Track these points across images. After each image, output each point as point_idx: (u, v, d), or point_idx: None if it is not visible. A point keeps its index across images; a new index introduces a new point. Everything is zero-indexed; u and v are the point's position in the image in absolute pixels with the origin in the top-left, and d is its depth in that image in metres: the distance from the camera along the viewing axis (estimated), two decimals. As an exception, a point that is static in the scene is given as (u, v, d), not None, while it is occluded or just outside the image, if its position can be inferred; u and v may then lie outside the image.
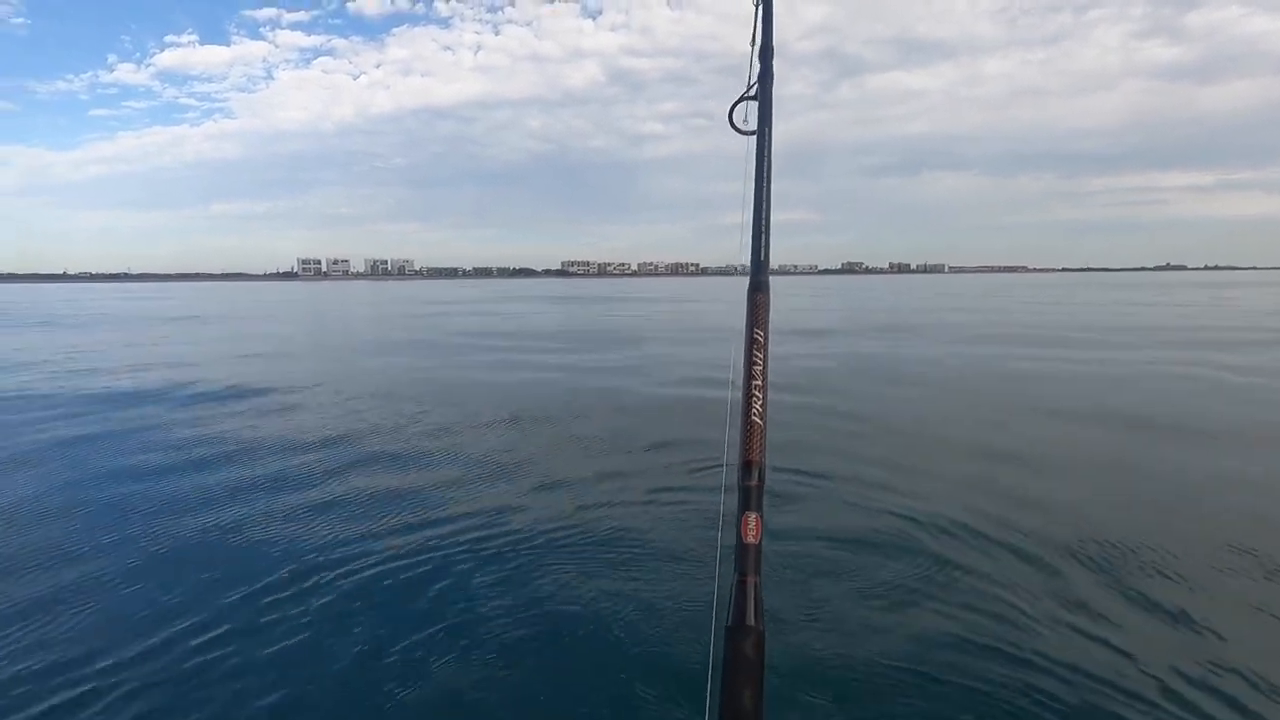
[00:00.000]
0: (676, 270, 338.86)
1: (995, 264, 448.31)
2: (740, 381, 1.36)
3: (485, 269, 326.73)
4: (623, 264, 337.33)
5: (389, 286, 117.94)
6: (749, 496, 1.27)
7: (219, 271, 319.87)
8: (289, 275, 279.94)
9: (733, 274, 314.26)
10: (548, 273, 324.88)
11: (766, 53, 1.61)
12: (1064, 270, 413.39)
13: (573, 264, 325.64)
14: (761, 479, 1.29)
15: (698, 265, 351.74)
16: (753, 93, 1.58)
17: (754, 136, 1.52)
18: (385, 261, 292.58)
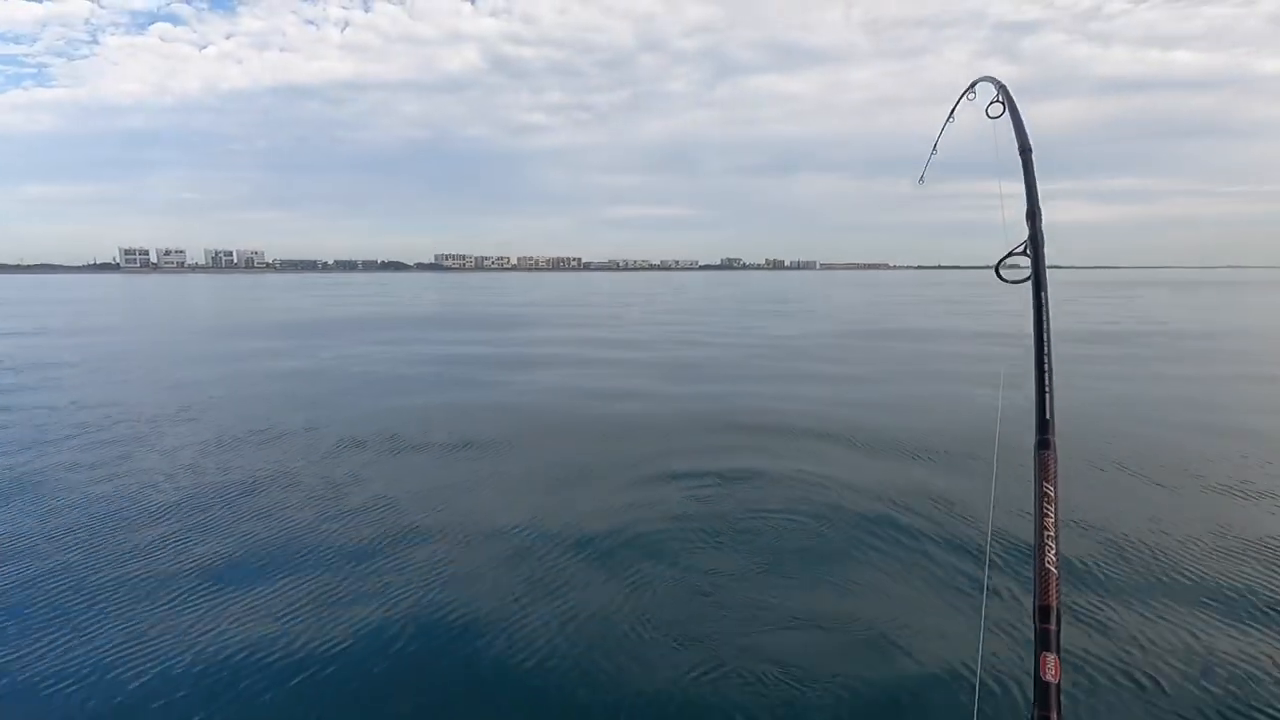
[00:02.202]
0: (558, 265, 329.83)
1: (861, 261, 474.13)
2: (1030, 526, 1.42)
3: (349, 262, 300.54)
4: (501, 258, 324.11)
5: (216, 282, 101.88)
6: (1048, 639, 1.33)
7: (23, 262, 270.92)
8: (109, 268, 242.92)
9: (615, 269, 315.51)
10: (420, 266, 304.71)
11: (1034, 215, 1.68)
12: (920, 268, 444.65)
13: (447, 257, 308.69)
14: (1059, 624, 1.34)
15: (580, 260, 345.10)
16: (1023, 250, 1.64)
17: (1028, 288, 1.60)
18: (230, 253, 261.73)
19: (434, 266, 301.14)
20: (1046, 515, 1.41)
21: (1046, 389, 1.51)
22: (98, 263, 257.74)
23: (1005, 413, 2.47)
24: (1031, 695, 1.31)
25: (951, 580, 4.35)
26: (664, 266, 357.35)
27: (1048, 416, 1.50)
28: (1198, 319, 25.09)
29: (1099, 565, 4.52)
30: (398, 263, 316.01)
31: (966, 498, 5.78)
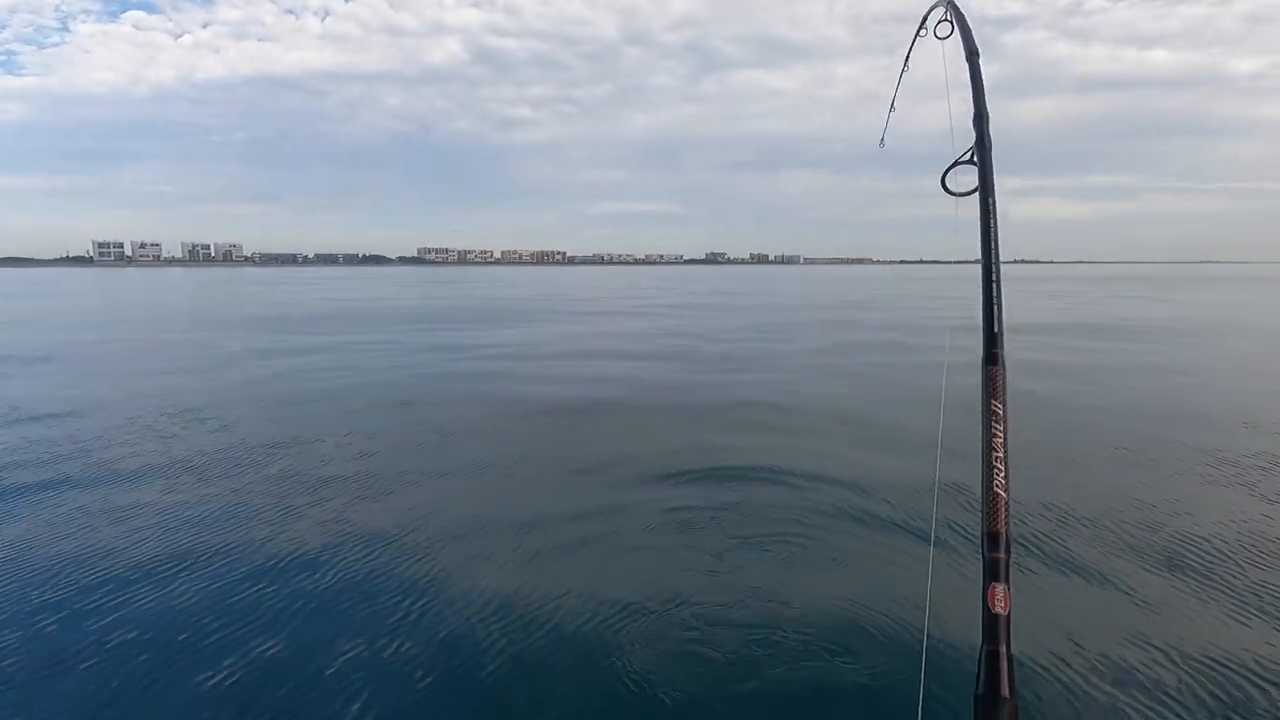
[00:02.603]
0: (542, 259, 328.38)
1: (844, 256, 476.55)
2: (979, 452, 1.35)
3: (330, 255, 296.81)
4: (485, 251, 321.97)
5: (192, 275, 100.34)
6: (996, 568, 1.26)
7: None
8: (81, 261, 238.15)
9: (599, 264, 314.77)
10: (402, 260, 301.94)
11: (981, 119, 1.58)
12: (902, 262, 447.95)
13: (430, 251, 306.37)
14: (1008, 551, 1.28)
15: (564, 254, 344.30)
16: (969, 157, 1.55)
17: (974, 201, 1.51)
18: (208, 246, 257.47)
19: (417, 260, 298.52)
20: (995, 436, 1.34)
21: (996, 302, 1.44)
22: (70, 256, 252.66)
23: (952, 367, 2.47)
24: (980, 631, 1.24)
25: (900, 542, 4.58)
26: (649, 260, 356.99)
27: (996, 330, 1.43)
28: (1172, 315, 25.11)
29: (1051, 536, 4.71)
30: (379, 256, 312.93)
31: (913, 454, 6.40)
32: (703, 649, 3.38)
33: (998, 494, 1.31)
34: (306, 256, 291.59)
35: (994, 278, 1.44)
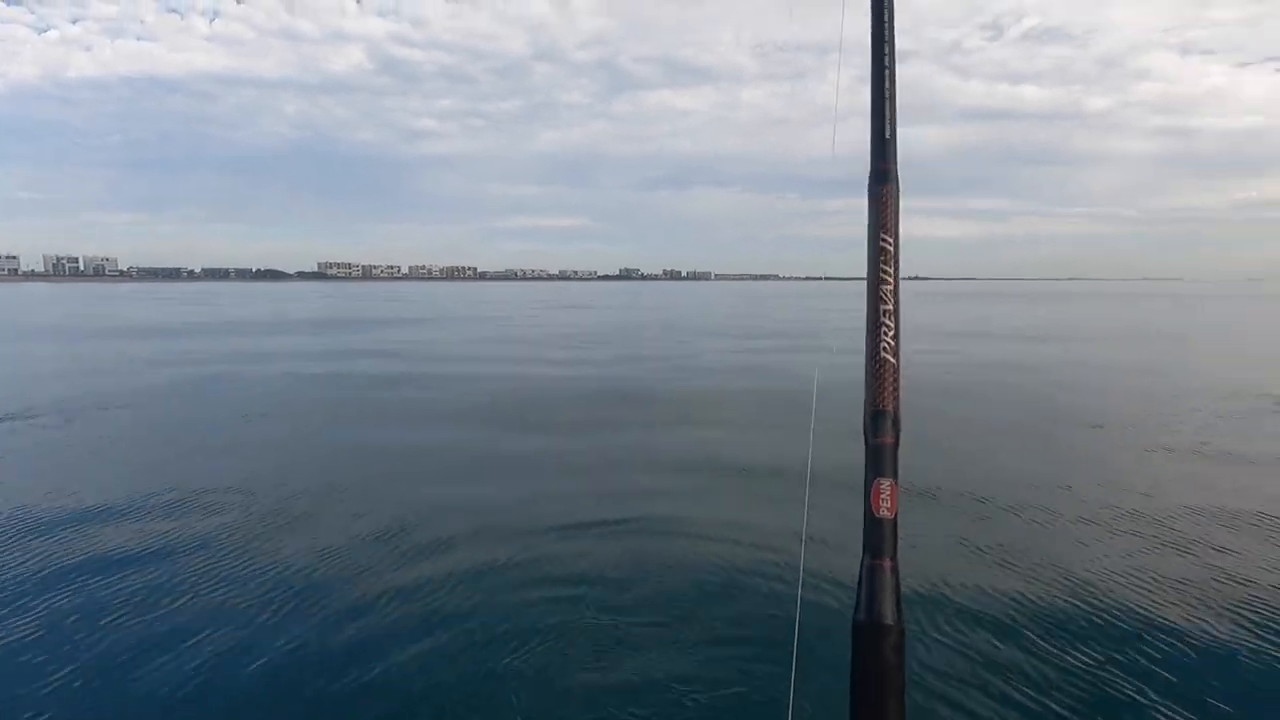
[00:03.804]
0: (453, 274, 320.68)
1: (754, 273, 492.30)
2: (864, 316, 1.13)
3: (220, 270, 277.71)
4: (391, 266, 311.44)
5: (54, 292, 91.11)
6: (881, 458, 1.04)
7: None
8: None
9: (513, 279, 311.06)
10: (301, 275, 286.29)
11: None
12: (808, 279, 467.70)
13: (332, 265, 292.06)
14: (896, 433, 1.06)
15: (475, 269, 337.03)
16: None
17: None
18: (75, 259, 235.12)
19: (317, 275, 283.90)
20: (884, 280, 1.12)
21: (885, 101, 1.20)
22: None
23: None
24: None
25: (778, 510, 5.02)
26: (563, 276, 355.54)
27: (887, 136, 1.22)
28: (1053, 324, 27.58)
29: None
30: (276, 271, 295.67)
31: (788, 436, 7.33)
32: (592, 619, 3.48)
33: (884, 360, 1.08)
34: (193, 271, 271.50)
35: (888, 77, 1.21)
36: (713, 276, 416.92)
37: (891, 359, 1.07)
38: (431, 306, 44.75)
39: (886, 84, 1.20)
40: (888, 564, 1.00)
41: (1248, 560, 4.27)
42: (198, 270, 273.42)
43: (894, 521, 1.01)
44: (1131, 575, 4.01)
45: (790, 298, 66.01)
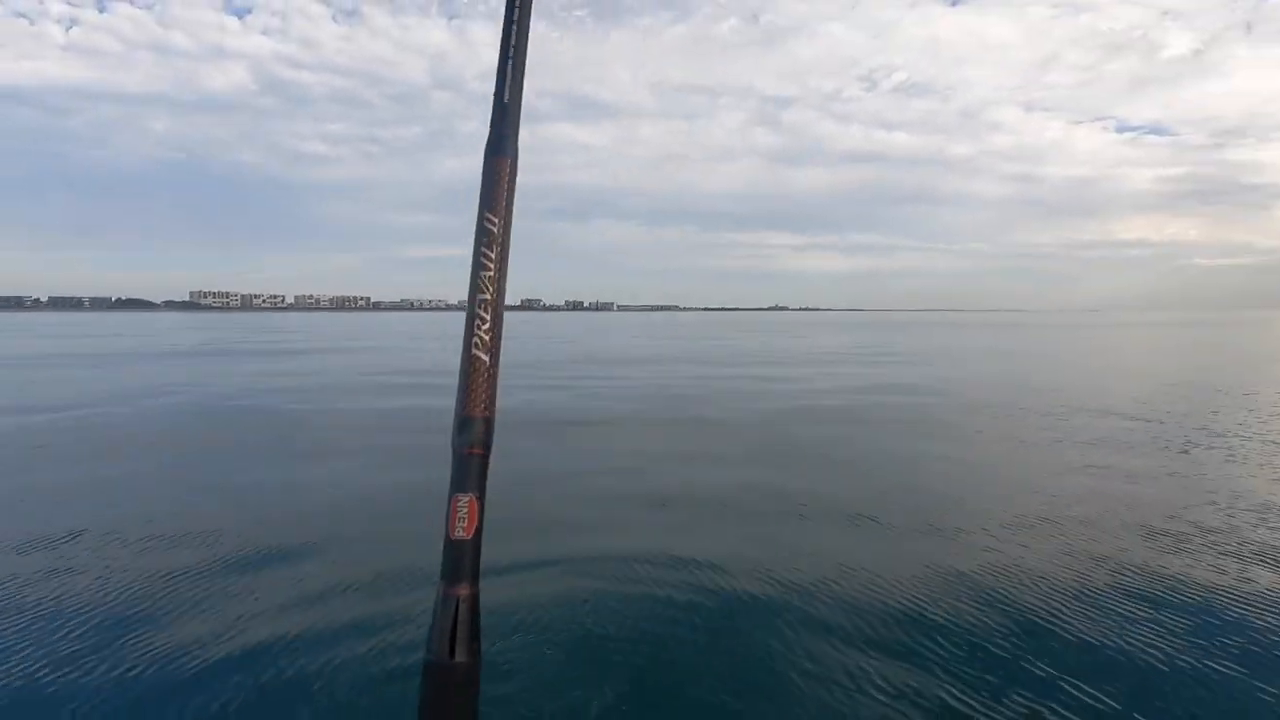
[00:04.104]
0: (343, 305, 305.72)
1: (655, 304, 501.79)
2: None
3: (72, 299, 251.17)
4: (275, 296, 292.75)
5: None
6: (465, 470, 0.96)
7: None
8: None
9: (408, 309, 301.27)
10: (170, 305, 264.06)
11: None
12: (705, 309, 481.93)
13: (207, 294, 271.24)
14: (487, 444, 0.98)
15: (368, 299, 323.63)
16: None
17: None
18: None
19: (189, 305, 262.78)
20: (484, 266, 1.08)
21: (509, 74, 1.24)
22: None
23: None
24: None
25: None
26: (461, 307, 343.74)
27: (506, 106, 1.21)
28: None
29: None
30: (141, 300, 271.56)
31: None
32: None
33: (478, 360, 1.00)
34: (38, 300, 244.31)
35: (518, 40, 1.20)
36: (615, 307, 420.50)
37: (485, 358, 1.00)
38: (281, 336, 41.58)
39: (513, 43, 1.16)
40: (464, 591, 0.89)
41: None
42: (43, 299, 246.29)
43: (474, 543, 0.92)
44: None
45: (687, 327, 67.40)
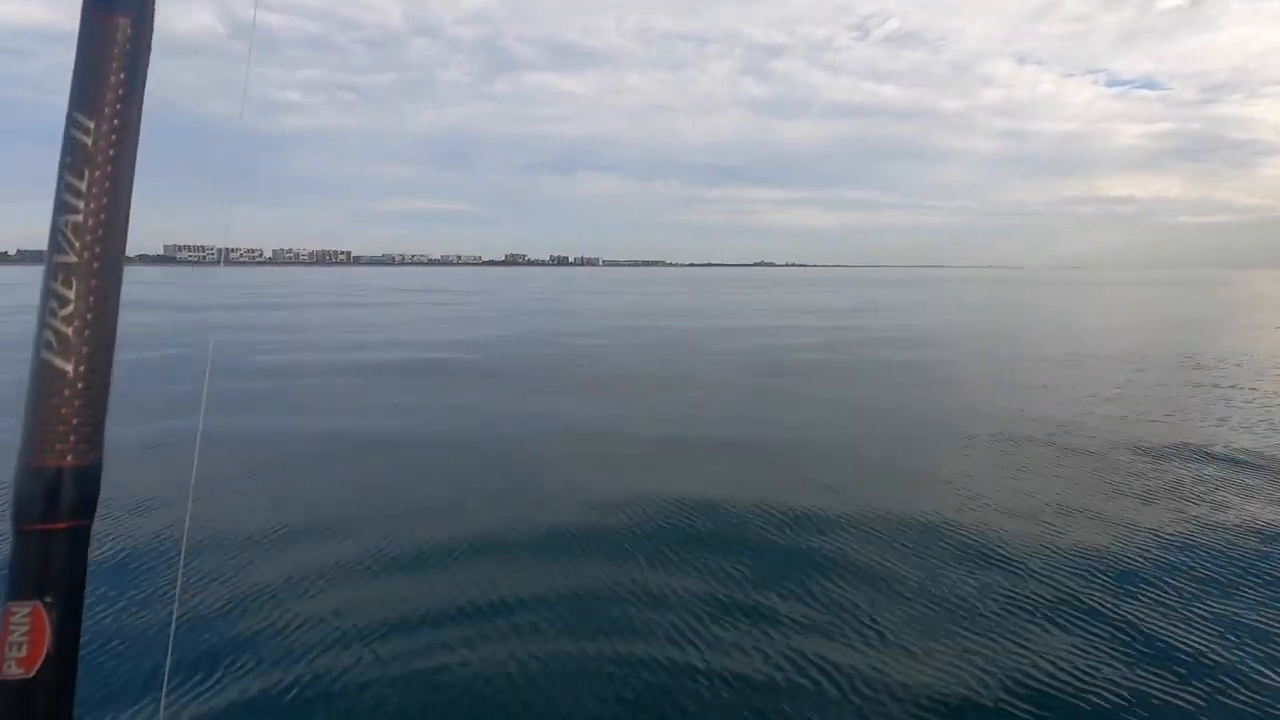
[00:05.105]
0: (323, 259, 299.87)
1: (641, 259, 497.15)
2: None
3: (33, 252, 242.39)
4: (253, 250, 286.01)
5: None
6: (29, 561, 0.66)
7: None
8: None
9: (390, 264, 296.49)
10: (144, 259, 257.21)
11: None
12: (691, 265, 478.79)
13: (182, 248, 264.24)
14: (78, 511, 0.67)
15: (349, 253, 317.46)
16: None
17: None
18: None
19: (164, 259, 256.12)
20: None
21: None
22: None
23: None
24: None
25: None
26: (445, 261, 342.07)
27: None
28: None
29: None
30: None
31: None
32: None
33: (51, 365, 0.65)
34: (6, 253, 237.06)
35: None
36: (601, 263, 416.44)
37: (67, 366, 0.65)
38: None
39: None
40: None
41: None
42: (12, 252, 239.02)
43: (37, 678, 0.66)
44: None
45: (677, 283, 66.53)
